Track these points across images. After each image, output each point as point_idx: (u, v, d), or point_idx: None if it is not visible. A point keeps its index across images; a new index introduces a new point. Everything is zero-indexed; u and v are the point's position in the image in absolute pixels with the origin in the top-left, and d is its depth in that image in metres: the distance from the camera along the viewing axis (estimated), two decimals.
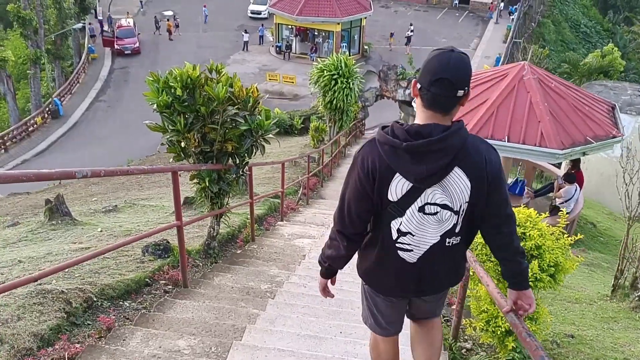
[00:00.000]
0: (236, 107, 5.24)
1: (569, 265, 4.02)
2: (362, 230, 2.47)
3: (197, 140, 5.17)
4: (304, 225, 8.71)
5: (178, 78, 4.97)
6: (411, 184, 2.28)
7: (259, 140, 5.41)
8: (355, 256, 2.64)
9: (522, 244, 3.91)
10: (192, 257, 5.78)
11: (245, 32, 41.07)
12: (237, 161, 5.46)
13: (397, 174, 2.27)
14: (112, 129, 30.63)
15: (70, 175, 2.87)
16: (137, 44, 41.28)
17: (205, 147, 5.17)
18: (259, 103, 5.43)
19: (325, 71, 18.05)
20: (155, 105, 4.98)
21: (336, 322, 4.14)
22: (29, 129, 31.05)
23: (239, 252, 6.52)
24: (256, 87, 5.53)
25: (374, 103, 27.37)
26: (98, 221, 8.64)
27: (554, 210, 11.75)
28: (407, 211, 2.33)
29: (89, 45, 41.19)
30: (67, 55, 41.07)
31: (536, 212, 4.25)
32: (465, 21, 47.10)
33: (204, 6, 46.12)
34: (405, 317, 2.89)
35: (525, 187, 12.58)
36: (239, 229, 7.70)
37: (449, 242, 2.40)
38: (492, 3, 48.09)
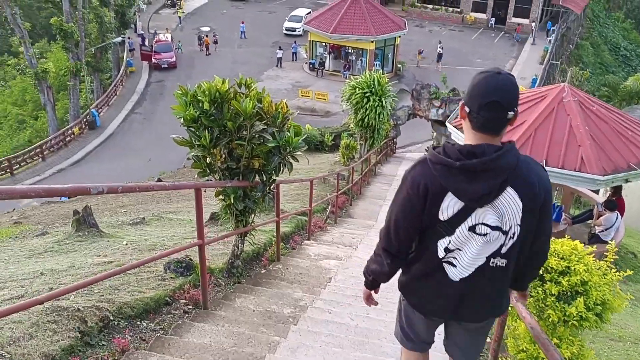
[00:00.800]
0: (264, 122, 5.08)
1: (617, 304, 3.69)
2: (408, 248, 2.47)
3: (223, 155, 5.02)
4: (330, 246, 8.48)
5: (206, 92, 4.84)
6: (463, 204, 2.26)
7: (287, 158, 5.24)
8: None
9: (566, 279, 3.63)
10: (215, 276, 5.61)
11: (280, 48, 41.43)
12: (264, 178, 5.29)
13: (449, 194, 2.26)
14: (147, 140, 31.09)
15: (85, 191, 2.73)
16: (174, 58, 42.08)
17: (232, 163, 5.03)
18: (288, 119, 5.26)
19: (357, 89, 17.90)
20: (182, 120, 4.87)
21: (362, 355, 3.89)
22: (67, 139, 31.77)
23: (263, 271, 6.32)
24: (285, 103, 5.38)
25: (406, 122, 27.08)
26: (125, 234, 8.59)
27: (593, 239, 11.24)
28: (457, 230, 2.31)
29: (128, 59, 42.15)
30: (106, 68, 42.12)
31: (582, 244, 3.93)
32: (500, 41, 46.53)
33: (242, 22, 46.86)
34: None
35: (563, 213, 12.10)
36: (264, 247, 7.52)
37: (493, 263, 2.36)
38: (519, 25, 47.44)
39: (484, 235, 2.29)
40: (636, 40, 64.02)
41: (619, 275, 3.93)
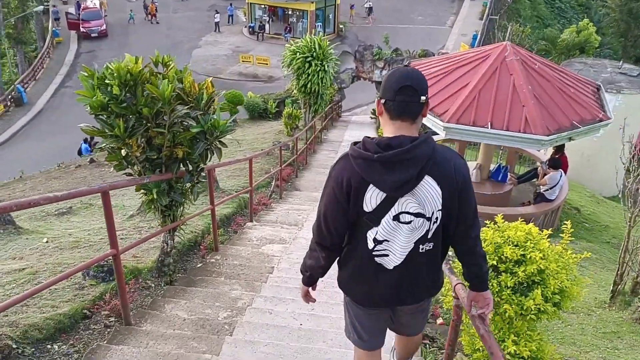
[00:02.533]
0: (187, 106, 4.50)
1: (576, 292, 3.42)
2: (340, 241, 2.57)
3: (141, 146, 4.43)
4: (274, 226, 8.03)
5: (115, 74, 4.20)
6: (385, 194, 2.36)
7: (214, 144, 4.68)
8: (331, 271, 2.72)
9: (522, 268, 3.32)
10: (143, 278, 5.07)
11: (217, 12, 39.80)
12: (190, 168, 4.74)
13: (371, 185, 2.36)
14: (80, 116, 29.23)
15: None
16: (104, 26, 39.74)
17: (152, 153, 4.44)
18: (213, 100, 4.69)
19: (298, 53, 17.23)
20: (88, 107, 4.22)
21: None
22: None
23: (199, 265, 5.82)
24: (211, 82, 4.79)
25: (350, 85, 26.62)
26: (47, 227, 7.86)
27: (539, 198, 11.29)
28: (383, 220, 2.41)
29: (53, 29, 39.46)
30: (30, 39, 39.32)
31: (538, 228, 3.62)
32: None
33: None
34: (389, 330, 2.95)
35: (508, 174, 12.08)
36: (202, 235, 7.00)
37: (422, 249, 2.48)
38: None
39: (408, 223, 2.40)
40: None
41: (576, 258, 3.67)
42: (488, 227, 3.70)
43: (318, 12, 37.99)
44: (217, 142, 4.71)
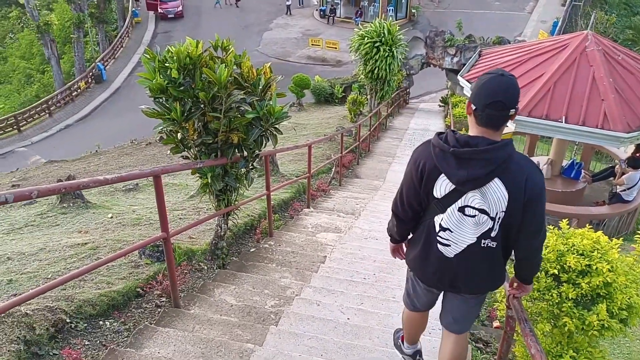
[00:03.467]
0: (244, 91, 4.47)
1: None
2: (412, 216, 2.81)
3: (197, 130, 4.44)
4: (331, 214, 7.95)
5: (174, 57, 4.22)
6: (453, 186, 2.55)
7: (269, 130, 4.63)
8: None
9: (586, 280, 3.07)
10: (197, 259, 5.14)
11: None
12: (245, 154, 4.72)
13: (442, 175, 2.56)
14: None
15: None
16: (180, 8, 40.85)
17: (207, 138, 4.45)
18: (270, 86, 4.63)
19: (366, 38, 16.96)
20: (148, 90, 4.27)
21: None
22: (73, 94, 31.25)
23: (252, 250, 5.83)
24: (269, 68, 4.73)
25: (419, 71, 26.01)
26: (114, 203, 8.16)
27: (614, 198, 10.61)
28: (448, 209, 2.61)
29: (133, 9, 40.95)
30: (111, 19, 41.02)
31: (607, 237, 3.33)
32: None
33: None
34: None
35: (582, 171, 11.41)
36: (258, 219, 7.03)
37: (484, 244, 2.62)
38: None
39: (473, 216, 2.57)
40: None
41: None
42: (551, 232, 3.45)
43: None
44: (273, 129, 4.65)
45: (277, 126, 4.67)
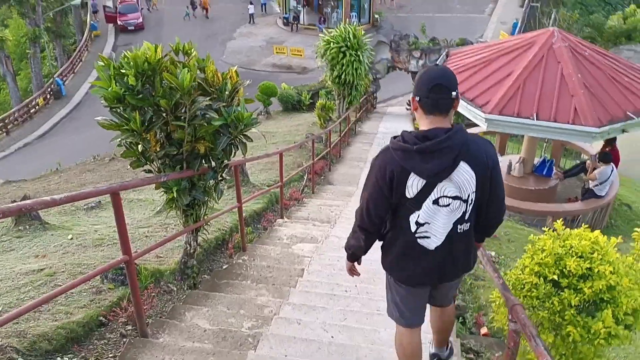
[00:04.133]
0: (209, 97, 4.15)
1: None
2: (380, 226, 2.80)
3: (160, 141, 4.10)
4: (306, 224, 7.66)
5: (131, 63, 3.88)
6: (425, 181, 2.57)
7: (238, 138, 4.32)
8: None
9: (588, 284, 2.84)
10: (165, 281, 4.77)
11: (251, 3, 39.57)
12: (214, 164, 4.39)
13: (412, 174, 2.57)
14: None
15: None
16: (141, 20, 40.05)
17: (171, 149, 4.11)
18: (237, 91, 4.32)
19: (332, 43, 16.76)
20: (103, 100, 3.91)
21: None
22: (31, 111, 30.16)
23: (225, 267, 5.49)
24: (236, 72, 4.43)
25: (385, 75, 25.97)
26: (74, 223, 7.68)
27: (587, 194, 10.61)
28: (424, 204, 2.63)
29: (91, 22, 39.97)
30: (69, 33, 39.94)
31: (605, 237, 3.12)
32: None
33: None
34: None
35: (554, 167, 11.41)
36: (230, 233, 6.68)
37: (460, 229, 2.70)
38: None
39: (447, 205, 2.62)
40: None
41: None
42: (547, 234, 3.23)
43: (353, 2, 37.34)
44: (242, 136, 4.34)
45: (246, 133, 4.36)
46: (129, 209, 8.71)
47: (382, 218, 2.74)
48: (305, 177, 11.14)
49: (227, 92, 4.22)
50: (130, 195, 9.62)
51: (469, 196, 2.61)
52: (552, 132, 9.27)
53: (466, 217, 2.67)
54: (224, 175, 4.53)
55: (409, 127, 20.46)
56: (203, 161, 4.30)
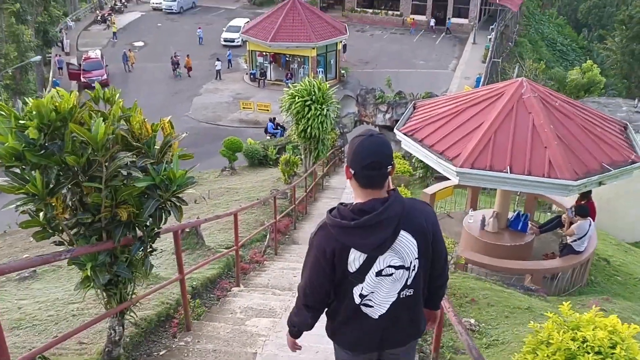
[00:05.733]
0: (134, 152, 3.44)
1: None
2: (324, 300, 2.75)
3: (72, 206, 3.34)
4: (265, 292, 6.83)
5: (34, 112, 3.16)
6: (366, 255, 2.55)
7: (171, 201, 3.59)
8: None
9: None
10: None
11: (218, 60, 39.57)
12: (139, 233, 3.63)
13: (352, 249, 2.55)
14: None
15: None
16: (105, 76, 39.50)
17: (85, 216, 3.35)
18: (170, 145, 3.63)
19: (297, 97, 16.41)
20: None
21: None
22: None
23: (162, 352, 4.62)
24: (170, 122, 3.74)
25: (352, 129, 25.80)
26: (1, 297, 6.72)
27: (565, 249, 10.08)
28: (367, 277, 2.60)
29: (54, 79, 39.23)
30: (29, 90, 39.06)
31: (620, 321, 2.45)
32: (442, 42, 46.21)
33: (199, 28, 46.15)
34: None
35: (529, 222, 10.91)
36: (176, 306, 5.82)
37: (403, 295, 2.67)
38: (413, 20, 48.06)
39: (391, 275, 2.61)
40: (570, 35, 65.60)
41: None
42: (552, 320, 2.54)
43: (319, 58, 37.71)
44: (175, 199, 3.61)
45: (180, 196, 3.63)
46: (68, 278, 7.77)
47: (327, 293, 2.70)
48: (268, 237, 10.35)
49: (156, 147, 3.51)
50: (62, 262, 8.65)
51: (411, 263, 2.59)
52: (527, 185, 8.80)
53: (409, 283, 2.64)
54: (152, 245, 3.76)
55: None
56: (126, 230, 3.53)
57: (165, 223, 3.73)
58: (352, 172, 2.53)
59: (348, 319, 2.71)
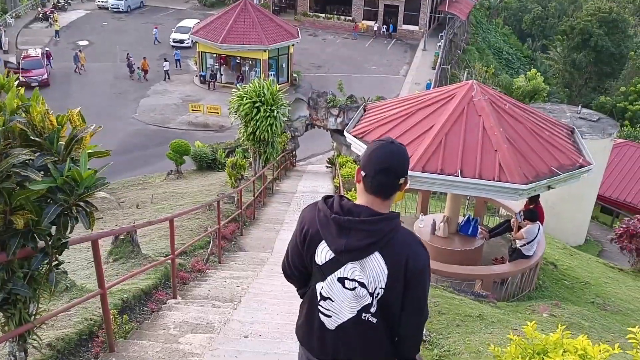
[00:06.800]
0: (34, 148, 2.92)
1: None
2: (300, 279, 2.72)
3: None
4: (204, 304, 6.32)
5: None
6: (333, 254, 2.47)
7: (76, 206, 3.08)
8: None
9: None
10: None
11: (166, 60, 38.45)
12: (43, 243, 3.10)
13: (323, 241, 2.49)
14: None
15: None
16: (46, 76, 37.71)
17: None
18: (78, 140, 3.12)
19: (245, 98, 15.91)
20: None
21: None
22: None
23: None
24: (80, 114, 3.23)
25: (304, 132, 25.44)
26: None
27: (515, 254, 10.00)
28: (328, 278, 2.52)
29: None
30: None
31: (590, 342, 2.14)
32: (393, 48, 46.62)
33: (155, 27, 44.65)
34: None
35: (479, 227, 10.81)
36: (101, 321, 5.24)
37: (364, 317, 2.51)
38: (355, 24, 48.68)
39: (352, 289, 2.47)
40: (515, 44, 67.74)
41: None
42: (513, 342, 2.20)
43: (271, 61, 37.25)
44: (83, 203, 3.10)
45: (89, 199, 3.12)
46: None
47: (300, 270, 2.67)
48: (211, 244, 9.81)
49: (59, 143, 3.00)
50: None
51: (375, 289, 2.44)
52: (477, 189, 8.65)
53: (372, 310, 2.48)
54: (57, 257, 3.23)
55: (329, 185, 19.71)
56: (23, 241, 3.00)
57: (71, 232, 3.21)
58: (364, 174, 2.44)
59: (309, 319, 2.64)
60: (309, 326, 2.65)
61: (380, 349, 2.59)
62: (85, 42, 44.72)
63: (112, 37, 45.55)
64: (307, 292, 2.67)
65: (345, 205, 2.45)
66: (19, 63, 38.05)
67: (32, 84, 36.86)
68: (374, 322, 2.50)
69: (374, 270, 2.41)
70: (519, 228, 9.94)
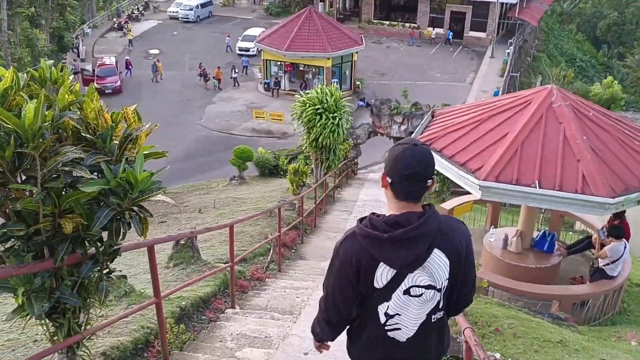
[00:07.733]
0: (85, 146, 2.71)
1: None
2: (347, 316, 2.56)
3: (9, 213, 2.61)
4: (263, 316, 6.04)
5: None
6: (395, 271, 2.38)
7: (130, 211, 2.84)
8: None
9: None
10: None
11: (234, 67, 39.20)
12: (92, 249, 2.89)
13: (381, 263, 2.37)
14: None
15: None
16: (119, 83, 39.32)
17: (16, 227, 2.62)
18: (132, 140, 2.89)
19: (308, 104, 15.71)
20: None
21: None
22: None
23: None
24: (135, 111, 3.01)
25: (366, 140, 25.03)
26: None
27: (597, 274, 9.17)
28: (393, 295, 2.42)
29: None
30: None
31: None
32: (459, 55, 45.38)
33: (227, 36, 45.60)
34: None
35: (556, 242, 10.03)
36: (157, 332, 5.05)
37: (434, 319, 2.50)
38: (412, 29, 47.39)
39: (419, 296, 2.42)
40: (590, 51, 64.55)
41: None
42: None
43: (334, 69, 37.11)
44: (137, 208, 2.86)
45: (143, 204, 2.88)
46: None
47: (350, 308, 2.51)
48: (271, 251, 9.58)
49: (112, 142, 2.78)
50: None
51: (442, 284, 2.43)
52: (557, 202, 7.95)
53: (440, 306, 2.49)
54: (108, 264, 3.01)
55: None
56: (73, 247, 2.78)
57: (123, 238, 2.98)
58: (389, 181, 2.37)
59: (373, 345, 2.52)
60: (376, 348, 2.53)
61: (446, 335, 2.63)
62: (156, 51, 46.29)
63: (181, 46, 46.93)
64: (360, 321, 2.54)
65: (389, 219, 2.37)
66: (94, 70, 39.88)
67: (106, 91, 38.59)
68: (441, 315, 2.53)
69: (437, 267, 2.39)
70: (602, 246, 9.12)
